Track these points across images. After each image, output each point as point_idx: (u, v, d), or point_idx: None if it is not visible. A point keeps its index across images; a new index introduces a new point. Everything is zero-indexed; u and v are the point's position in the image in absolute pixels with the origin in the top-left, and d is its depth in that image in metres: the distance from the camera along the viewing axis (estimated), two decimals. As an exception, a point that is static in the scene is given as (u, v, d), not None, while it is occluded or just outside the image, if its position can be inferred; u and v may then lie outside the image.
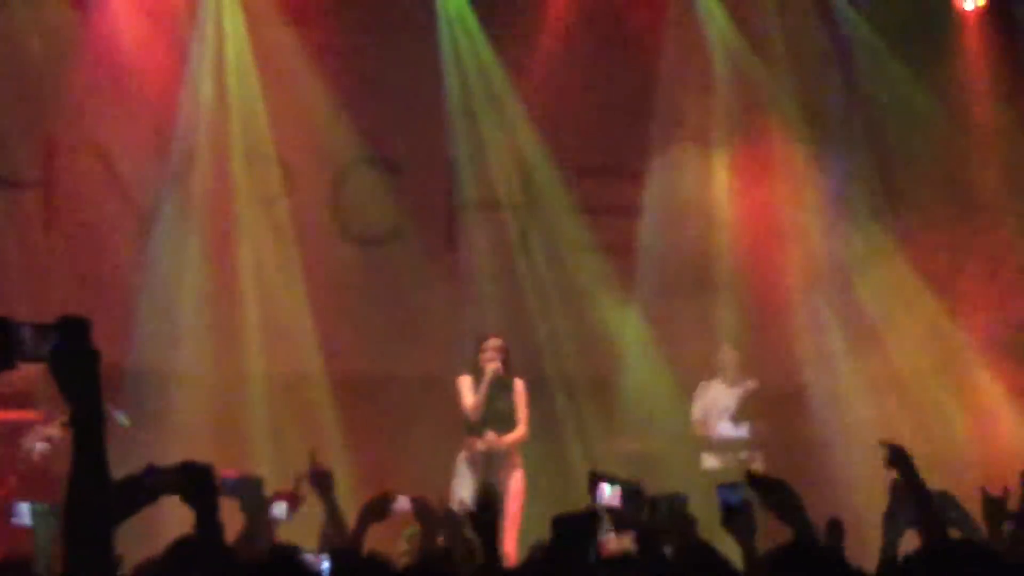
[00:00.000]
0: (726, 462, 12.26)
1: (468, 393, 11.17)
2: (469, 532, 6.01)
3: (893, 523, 5.65)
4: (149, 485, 4.85)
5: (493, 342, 11.26)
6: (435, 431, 11.54)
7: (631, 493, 6.33)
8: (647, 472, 11.57)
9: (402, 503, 6.59)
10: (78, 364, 3.64)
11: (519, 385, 11.29)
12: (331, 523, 6.28)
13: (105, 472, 3.65)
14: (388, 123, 12.97)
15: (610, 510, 6.27)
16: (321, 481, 6.50)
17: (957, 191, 13.24)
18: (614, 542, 5.47)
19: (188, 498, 4.76)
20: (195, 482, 4.75)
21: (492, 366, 11.12)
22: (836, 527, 5.84)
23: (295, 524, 6.49)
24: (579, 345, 12.99)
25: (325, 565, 5.38)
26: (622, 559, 5.28)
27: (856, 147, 13.38)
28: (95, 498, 3.66)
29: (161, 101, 12.52)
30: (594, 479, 6.28)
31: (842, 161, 13.39)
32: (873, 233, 13.21)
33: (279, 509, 6.28)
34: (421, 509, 6.61)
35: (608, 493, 6.32)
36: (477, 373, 11.18)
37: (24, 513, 6.23)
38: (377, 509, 6.30)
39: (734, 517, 5.54)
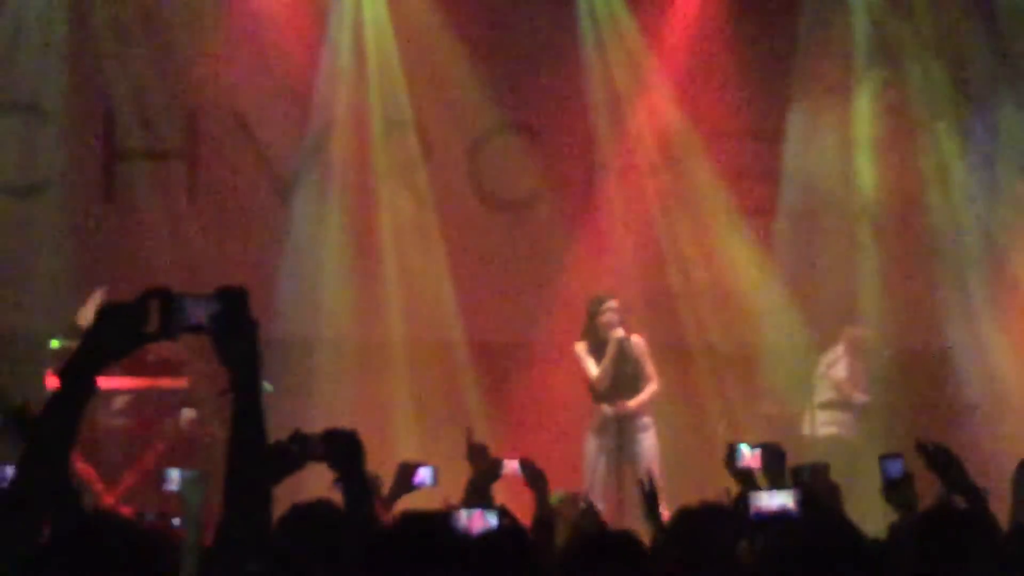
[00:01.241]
0: (847, 424, 12.15)
1: (590, 362, 10.95)
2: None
3: (1020, 489, 5.60)
4: (296, 451, 4.92)
5: (612, 303, 10.95)
6: (575, 395, 11.52)
7: (772, 454, 6.33)
8: (788, 437, 11.55)
9: (511, 466, 6.63)
10: (239, 333, 3.71)
11: (640, 343, 11.07)
12: (474, 492, 6.32)
13: (264, 438, 3.73)
14: (525, 88, 12.97)
15: (750, 472, 6.26)
16: (477, 455, 6.57)
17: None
18: (766, 498, 5.43)
19: (334, 464, 4.82)
20: (341, 448, 4.80)
21: (617, 334, 10.83)
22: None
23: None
24: (719, 309, 12.91)
25: (493, 521, 5.42)
26: (781, 516, 5.26)
27: (1002, 106, 13.13)
28: (255, 463, 3.73)
29: (300, 69, 12.62)
30: (731, 447, 6.29)
31: (987, 120, 13.15)
32: (1020, 193, 12.99)
33: (425, 475, 6.33)
34: (529, 472, 6.65)
35: (748, 455, 6.31)
36: (594, 335, 10.97)
37: (174, 479, 6.36)
38: (489, 472, 6.36)
39: (896, 489, 5.51)
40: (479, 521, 5.40)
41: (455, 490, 6.67)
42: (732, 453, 6.39)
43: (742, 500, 5.54)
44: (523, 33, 12.95)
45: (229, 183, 12.68)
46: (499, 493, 6.65)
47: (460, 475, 6.87)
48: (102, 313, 3.66)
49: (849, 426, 12.20)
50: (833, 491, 6.07)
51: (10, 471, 4.05)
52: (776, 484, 6.02)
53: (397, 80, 12.78)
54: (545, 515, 6.24)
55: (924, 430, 11.76)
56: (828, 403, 12.28)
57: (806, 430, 12.19)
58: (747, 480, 6.19)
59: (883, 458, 5.65)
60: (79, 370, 3.62)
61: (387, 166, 12.79)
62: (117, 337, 3.64)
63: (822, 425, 12.22)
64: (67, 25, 12.40)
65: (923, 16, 13.08)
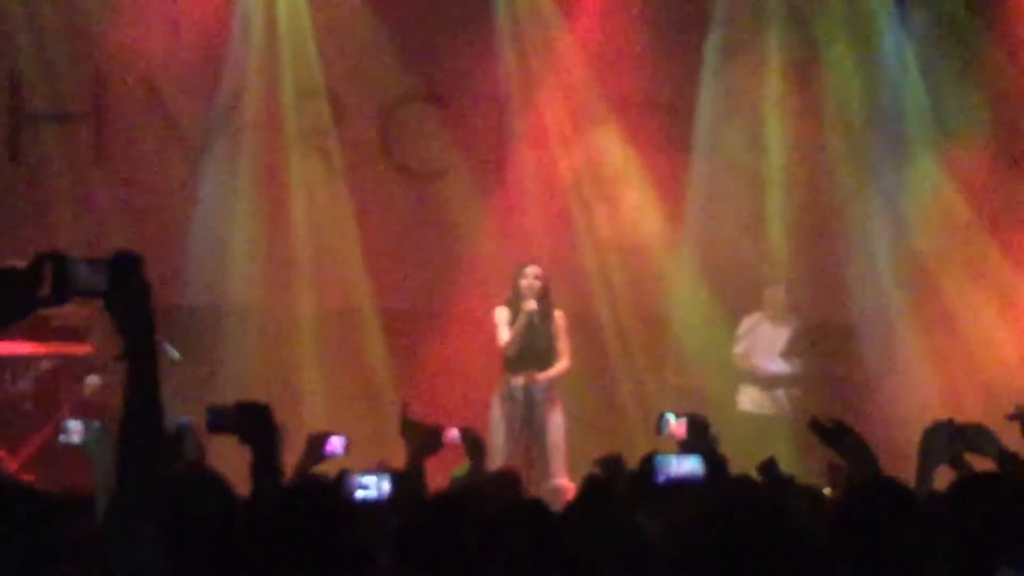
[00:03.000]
0: (771, 400, 12.22)
1: (504, 328, 10.91)
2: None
3: (927, 458, 5.64)
4: (208, 423, 4.88)
5: (531, 270, 10.88)
6: (483, 365, 11.53)
7: (696, 424, 6.37)
8: (696, 407, 11.61)
9: (452, 434, 6.64)
10: (132, 300, 3.67)
11: (559, 318, 11.02)
12: (411, 468, 6.30)
13: (158, 405, 3.70)
14: (438, 57, 12.92)
15: (678, 441, 6.30)
16: (411, 430, 6.52)
17: (1012, 129, 13.12)
18: (674, 464, 5.47)
19: (246, 438, 4.78)
20: (254, 422, 4.77)
21: (528, 305, 10.77)
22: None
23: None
24: (628, 280, 12.95)
25: (386, 486, 5.41)
26: (689, 481, 5.29)
27: (908, 79, 13.23)
28: (148, 431, 3.70)
29: (211, 34, 12.52)
30: (661, 415, 6.33)
31: (895, 94, 13.25)
32: (925, 165, 13.11)
33: (336, 444, 6.28)
34: (470, 440, 6.65)
35: (673, 422, 6.35)
36: (516, 302, 10.92)
37: (76, 430, 6.11)
38: (430, 442, 6.32)
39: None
40: (372, 486, 5.39)
41: (360, 461, 6.65)
42: (659, 422, 6.43)
43: (646, 465, 5.55)
44: (436, 1, 12.90)
45: (138, 148, 12.57)
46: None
47: (366, 443, 6.86)
48: None
49: (755, 399, 12.26)
50: (712, 441, 6.09)
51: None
52: (697, 450, 6.04)
53: (309, 46, 12.71)
54: (479, 484, 6.26)
55: (827, 402, 11.96)
56: (741, 377, 12.35)
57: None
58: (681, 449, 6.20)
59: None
60: None
61: (298, 133, 12.72)
62: (8, 302, 3.60)
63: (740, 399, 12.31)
64: (-29, -15, 12.25)
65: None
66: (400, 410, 6.66)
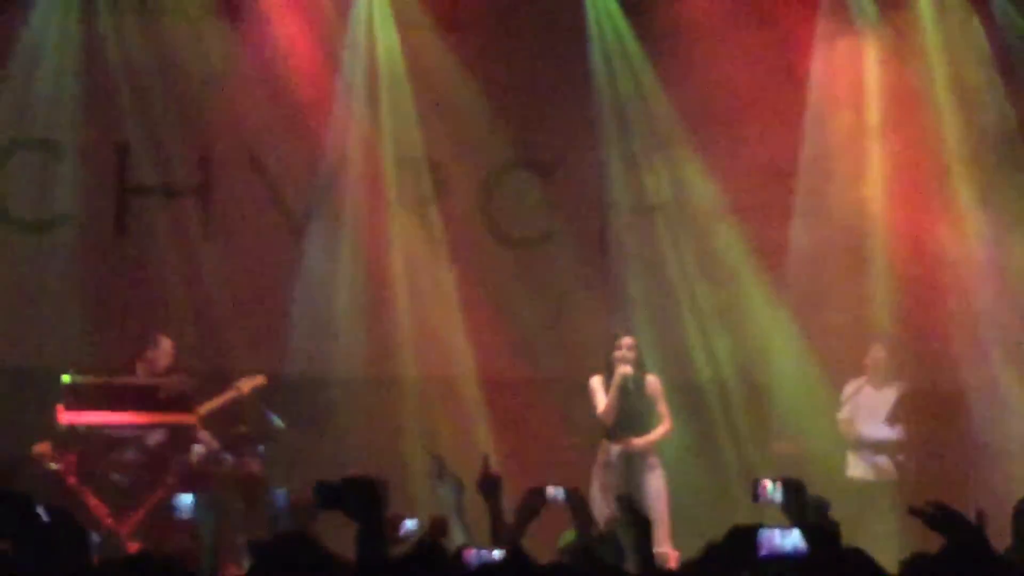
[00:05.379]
0: (875, 467, 12.11)
1: (600, 396, 10.99)
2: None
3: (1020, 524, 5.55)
4: (316, 499, 4.89)
5: (625, 341, 11.03)
6: (586, 432, 11.51)
7: (793, 489, 6.32)
8: (800, 475, 11.51)
9: (556, 494, 6.61)
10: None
11: (654, 382, 11.10)
12: (496, 528, 6.28)
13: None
14: (539, 125, 12.98)
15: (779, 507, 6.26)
16: (490, 486, 6.51)
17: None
18: (777, 537, 5.42)
19: (352, 514, 4.77)
20: (360, 497, 4.76)
21: (622, 369, 10.87)
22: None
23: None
24: (731, 347, 12.89)
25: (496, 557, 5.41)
26: (792, 556, 5.23)
27: (1014, 144, 13.10)
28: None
29: (314, 109, 12.66)
30: (756, 482, 6.28)
31: (999, 160, 13.12)
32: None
33: (410, 527, 6.27)
34: (575, 502, 6.61)
35: (770, 490, 6.32)
36: (609, 371, 11.01)
37: (186, 506, 6.29)
38: (532, 505, 6.29)
39: None
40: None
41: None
42: (754, 488, 6.38)
43: (748, 536, 5.51)
44: (535, 69, 12.97)
45: (242, 219, 12.72)
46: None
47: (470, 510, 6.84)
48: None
49: (859, 466, 12.16)
50: (833, 527, 6.03)
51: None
52: (797, 519, 5.99)
53: (409, 116, 12.81)
54: (584, 546, 6.22)
55: (934, 469, 11.84)
56: (845, 443, 12.26)
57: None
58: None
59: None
60: None
61: (399, 202, 12.82)
62: None
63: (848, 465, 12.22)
64: (81, 61, 12.48)
65: (937, 56, 13.07)
66: (482, 465, 6.63)
